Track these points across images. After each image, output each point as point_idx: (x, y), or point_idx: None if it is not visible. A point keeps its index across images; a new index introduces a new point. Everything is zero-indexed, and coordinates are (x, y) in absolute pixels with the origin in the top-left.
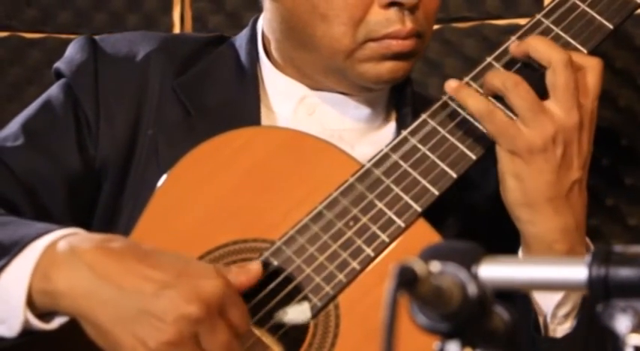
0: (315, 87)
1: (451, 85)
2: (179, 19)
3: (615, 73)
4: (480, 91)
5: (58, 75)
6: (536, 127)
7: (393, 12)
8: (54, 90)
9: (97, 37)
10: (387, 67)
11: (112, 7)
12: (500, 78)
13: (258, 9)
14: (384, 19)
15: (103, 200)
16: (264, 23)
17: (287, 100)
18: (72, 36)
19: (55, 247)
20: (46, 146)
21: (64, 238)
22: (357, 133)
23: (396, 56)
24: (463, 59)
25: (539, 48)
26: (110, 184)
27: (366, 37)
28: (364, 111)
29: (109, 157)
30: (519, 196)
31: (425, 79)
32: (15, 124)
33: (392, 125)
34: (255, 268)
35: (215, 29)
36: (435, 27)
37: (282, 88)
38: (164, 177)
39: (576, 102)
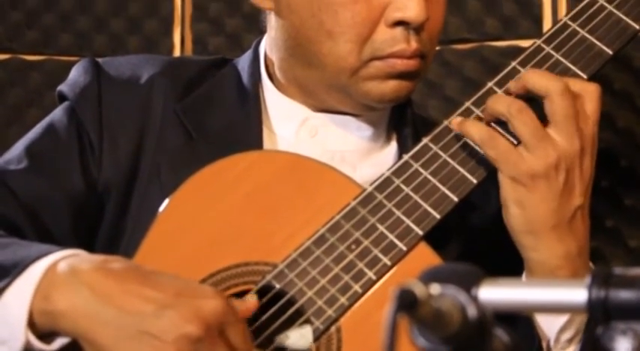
0: (317, 108)
1: (455, 121)
2: (179, 41)
3: (614, 95)
4: (482, 116)
5: (62, 98)
6: (538, 154)
7: (398, 31)
8: (57, 113)
9: (100, 60)
10: (390, 86)
11: (113, 29)
12: (505, 103)
13: (258, 31)
14: (390, 38)
15: (106, 222)
16: (268, 43)
17: (289, 121)
18: (73, 58)
19: (55, 268)
20: (50, 169)
21: (64, 259)
22: (358, 154)
23: (400, 75)
24: (463, 81)
25: (535, 80)
26: (113, 206)
27: (372, 55)
28: (366, 132)
29: (112, 179)
30: (522, 223)
31: (425, 100)
32: (18, 147)
33: (393, 146)
34: (251, 300)
35: (215, 51)
36: (437, 42)
37: (285, 109)
38: (166, 201)
39: (576, 128)
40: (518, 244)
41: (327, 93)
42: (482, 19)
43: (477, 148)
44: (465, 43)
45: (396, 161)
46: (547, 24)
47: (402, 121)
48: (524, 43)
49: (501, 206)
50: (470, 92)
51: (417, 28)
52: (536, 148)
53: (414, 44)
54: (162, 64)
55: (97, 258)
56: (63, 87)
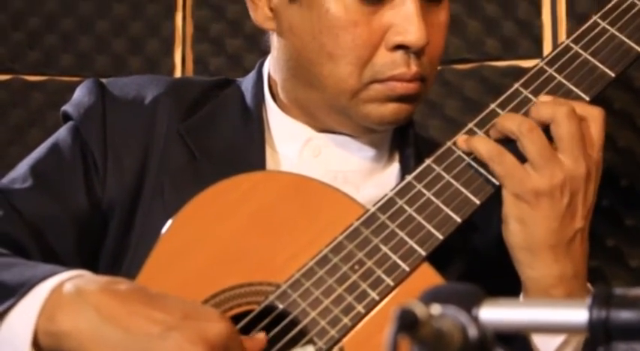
0: (320, 128)
1: (461, 139)
2: (180, 62)
3: (615, 115)
4: (487, 137)
5: (66, 118)
6: (545, 173)
7: (399, 55)
8: (62, 133)
9: (104, 80)
10: (390, 109)
11: (114, 49)
12: (515, 122)
13: (259, 51)
14: (390, 62)
15: (110, 242)
16: (271, 63)
17: (292, 141)
18: (74, 78)
19: (61, 288)
20: (54, 188)
21: (70, 280)
22: (361, 174)
23: (400, 98)
24: (463, 100)
25: (541, 111)
26: (116, 225)
27: (372, 78)
28: (368, 153)
29: (116, 199)
30: (521, 239)
31: (425, 120)
32: (23, 167)
33: (395, 166)
34: (260, 337)
35: (216, 71)
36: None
37: (288, 130)
38: (170, 221)
39: (583, 152)
40: (514, 260)
41: (328, 114)
42: (482, 40)
43: (480, 169)
44: (466, 63)
45: (399, 181)
46: (547, 44)
47: (405, 141)
48: (525, 64)
49: (501, 223)
50: (470, 112)
51: (418, 52)
52: (543, 168)
53: (414, 68)
54: (166, 84)
55: (103, 279)
56: (67, 107)
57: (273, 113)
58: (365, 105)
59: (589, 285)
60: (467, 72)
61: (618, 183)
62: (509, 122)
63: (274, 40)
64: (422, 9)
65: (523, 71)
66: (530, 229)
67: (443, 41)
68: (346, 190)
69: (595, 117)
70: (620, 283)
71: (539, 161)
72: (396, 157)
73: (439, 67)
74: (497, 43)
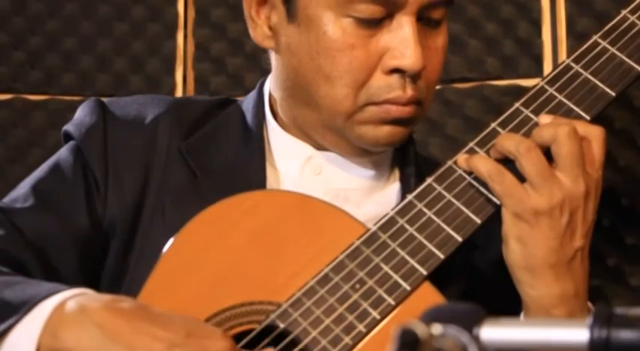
0: (320, 146)
1: (462, 158)
2: (181, 81)
3: (615, 134)
4: (487, 156)
5: (67, 137)
6: (544, 193)
7: (395, 78)
8: (63, 152)
9: (106, 100)
10: (385, 132)
11: (116, 68)
12: (514, 141)
13: (260, 70)
14: (386, 85)
15: (111, 260)
16: (271, 81)
17: (293, 160)
18: (75, 98)
19: (64, 306)
20: (56, 207)
21: (73, 297)
22: (362, 192)
23: (395, 121)
24: (464, 119)
25: (543, 132)
26: (118, 244)
27: (367, 100)
28: (369, 171)
29: (117, 217)
30: (521, 259)
31: (426, 138)
32: (24, 186)
33: (396, 185)
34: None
35: (217, 90)
36: (436, 88)
37: (289, 148)
38: (171, 240)
39: (582, 171)
40: (515, 280)
41: (323, 135)
42: (482, 59)
43: (481, 188)
44: (466, 82)
45: (400, 200)
46: (547, 63)
47: (405, 160)
48: (525, 83)
49: (501, 242)
50: (471, 131)
51: (414, 76)
52: (541, 187)
53: (409, 92)
54: (167, 103)
55: (106, 297)
56: (69, 127)
57: (274, 132)
58: (360, 126)
59: (590, 304)
60: (467, 91)
61: (619, 202)
62: (508, 142)
63: (273, 59)
64: (419, 33)
65: (524, 90)
66: (530, 249)
67: (440, 65)
68: (347, 209)
69: (596, 136)
70: (621, 302)
71: (538, 181)
72: (397, 175)
73: (440, 86)
74: (498, 62)
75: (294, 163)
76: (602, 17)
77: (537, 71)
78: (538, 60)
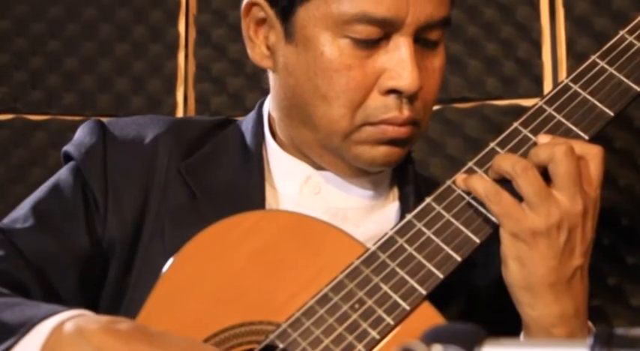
0: (319, 166)
1: (460, 178)
2: (182, 100)
3: (615, 154)
4: (485, 176)
5: (67, 158)
6: (541, 213)
7: (391, 99)
8: (63, 173)
9: (105, 121)
10: (381, 152)
11: (116, 88)
12: (510, 162)
13: (260, 90)
14: (383, 105)
15: (110, 280)
16: (270, 101)
17: (293, 179)
18: (76, 118)
19: (62, 328)
20: (56, 228)
21: (71, 319)
22: (361, 211)
23: (391, 142)
24: (464, 139)
25: (540, 153)
26: (117, 264)
27: (364, 120)
28: (368, 190)
29: (117, 237)
30: (520, 279)
31: (426, 158)
32: (24, 207)
33: (395, 204)
34: None
35: (218, 110)
36: (436, 107)
37: (288, 167)
38: (170, 260)
39: (580, 190)
40: (515, 300)
41: (321, 155)
42: (482, 79)
43: (480, 207)
44: (466, 102)
45: (399, 219)
46: (547, 83)
47: (404, 178)
48: (525, 103)
49: (501, 263)
50: (471, 150)
51: (411, 97)
52: (539, 207)
53: (406, 112)
54: (166, 124)
55: (104, 318)
56: (69, 147)
57: (273, 152)
58: (356, 146)
59: (590, 324)
60: (468, 111)
61: (619, 222)
62: (505, 162)
63: (271, 79)
64: (416, 54)
65: (524, 110)
66: (529, 269)
67: (437, 86)
68: (346, 228)
69: (594, 155)
70: (622, 322)
71: (535, 200)
72: (396, 194)
73: (440, 106)
74: (498, 82)
75: (293, 182)
76: (601, 37)
77: (537, 91)
78: (538, 80)
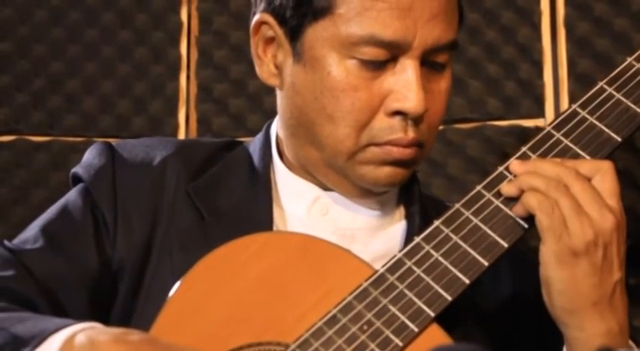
0: (327, 187)
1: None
2: (184, 122)
3: (617, 175)
4: (494, 200)
5: (76, 180)
6: (577, 230)
7: (397, 120)
8: (72, 194)
9: (113, 143)
10: (385, 172)
11: (118, 110)
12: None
13: (262, 112)
14: (388, 127)
15: (119, 301)
16: (277, 120)
17: (301, 200)
18: (78, 139)
19: (73, 339)
20: (65, 248)
21: (82, 331)
22: (369, 231)
23: (396, 163)
24: (466, 160)
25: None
26: (126, 285)
27: (369, 141)
28: (375, 210)
29: (126, 259)
30: (567, 301)
31: (428, 179)
32: (34, 228)
33: (402, 223)
34: None
35: (219, 131)
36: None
37: (296, 189)
38: (178, 282)
39: (604, 204)
40: (560, 323)
41: (326, 174)
42: (484, 99)
43: (488, 231)
44: (468, 123)
45: (405, 238)
46: (549, 104)
47: (410, 198)
48: (526, 123)
49: (542, 284)
50: (472, 171)
51: (416, 119)
52: (574, 223)
53: (411, 134)
54: (174, 146)
55: (115, 330)
56: (77, 169)
57: (281, 173)
58: (361, 166)
59: (632, 343)
60: (469, 131)
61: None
62: (535, 180)
63: (278, 97)
64: (423, 76)
65: (525, 130)
66: (575, 290)
67: (443, 108)
68: (354, 247)
69: (605, 170)
70: None
71: (570, 215)
72: (402, 213)
73: (441, 127)
74: (500, 102)
75: (301, 203)
76: (603, 59)
77: (539, 112)
78: (539, 101)
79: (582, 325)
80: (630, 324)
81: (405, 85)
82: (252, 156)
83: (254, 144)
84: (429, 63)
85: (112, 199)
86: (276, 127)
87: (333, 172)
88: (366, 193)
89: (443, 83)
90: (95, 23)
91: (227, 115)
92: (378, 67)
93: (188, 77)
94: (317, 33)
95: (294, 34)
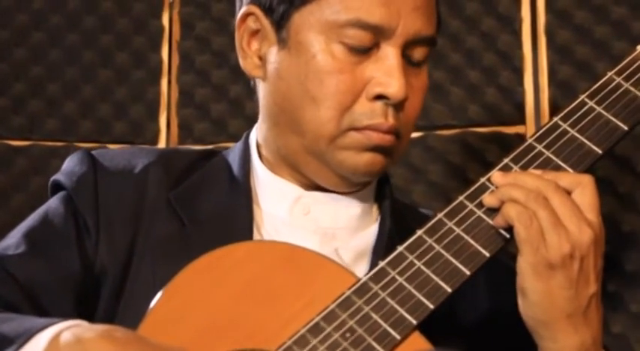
0: (308, 186)
1: (488, 198)
2: (165, 127)
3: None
4: (476, 211)
5: (57, 187)
6: (554, 244)
7: (378, 105)
8: (54, 201)
9: (94, 152)
10: (365, 159)
11: (99, 114)
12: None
13: (244, 117)
14: (369, 111)
15: (101, 307)
16: (259, 118)
17: (283, 200)
18: (58, 143)
19: (59, 337)
20: (48, 253)
21: (68, 329)
22: (349, 231)
23: (375, 148)
24: (447, 166)
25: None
26: (108, 290)
27: (350, 125)
28: (355, 210)
29: (108, 264)
30: (541, 312)
31: (409, 185)
32: (15, 235)
33: (376, 224)
34: None
35: (201, 136)
36: (419, 134)
37: (278, 189)
38: (161, 291)
39: (583, 218)
40: (534, 334)
41: (306, 162)
42: (465, 106)
43: (470, 241)
44: (449, 129)
45: (376, 239)
46: (529, 111)
47: (382, 195)
48: (507, 130)
49: (517, 294)
50: (454, 178)
51: (396, 105)
52: (552, 236)
53: (391, 120)
54: (155, 154)
55: (101, 327)
56: (58, 176)
57: (262, 176)
58: (341, 152)
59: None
60: (450, 138)
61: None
62: (514, 192)
63: (260, 90)
64: (403, 68)
65: (506, 137)
66: (549, 301)
67: (420, 105)
68: (335, 246)
69: (586, 184)
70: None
71: (548, 227)
72: (377, 215)
73: (422, 133)
74: (480, 109)
75: (283, 203)
76: (583, 66)
77: (519, 119)
78: (520, 108)
79: (556, 336)
80: (609, 331)
81: (387, 71)
82: (231, 164)
83: (233, 152)
84: (408, 57)
85: (94, 205)
86: (256, 134)
87: (313, 159)
88: (345, 183)
89: (420, 80)
90: (76, 27)
91: (208, 120)
92: (362, 53)
93: (169, 82)
94: (303, 17)
95: (281, 21)
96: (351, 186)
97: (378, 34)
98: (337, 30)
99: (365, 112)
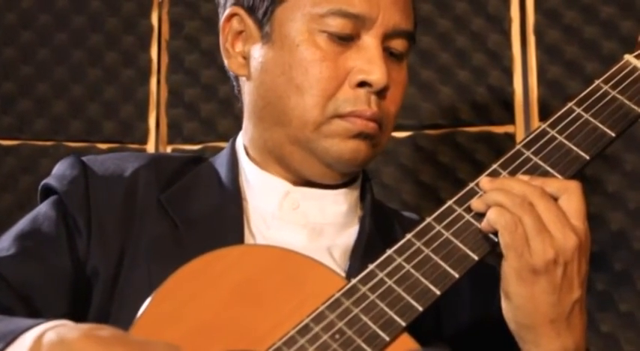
0: (296, 182)
1: (475, 203)
2: (154, 126)
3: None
4: (465, 215)
5: (47, 191)
6: (538, 250)
7: (361, 93)
8: (44, 205)
9: (84, 158)
10: (350, 146)
11: (88, 114)
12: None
13: (233, 116)
14: (353, 98)
15: (94, 308)
16: (244, 119)
17: (272, 195)
18: (48, 143)
19: (43, 337)
20: (39, 255)
21: (52, 329)
22: (336, 226)
23: (359, 135)
24: (436, 166)
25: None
26: (100, 292)
27: (334, 112)
28: (341, 206)
29: (99, 266)
30: (524, 317)
31: (398, 185)
32: (6, 238)
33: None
34: None
35: (190, 135)
36: (408, 134)
37: (267, 185)
38: (153, 294)
39: (568, 224)
40: (517, 338)
41: (291, 152)
42: (454, 106)
43: (459, 244)
44: (438, 129)
45: (357, 236)
46: (518, 110)
47: (364, 190)
48: (496, 129)
49: (501, 298)
50: (443, 177)
51: (379, 93)
52: (536, 241)
53: (374, 107)
54: (144, 158)
55: (85, 326)
56: (49, 180)
57: (251, 173)
58: (326, 139)
59: None
60: (440, 137)
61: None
62: (500, 197)
63: (245, 88)
64: (384, 60)
65: (495, 137)
66: (532, 306)
67: (400, 99)
68: (322, 242)
69: (572, 190)
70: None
71: (532, 233)
72: (360, 213)
73: (412, 133)
74: (470, 109)
75: (272, 198)
76: (572, 66)
77: (509, 118)
78: (509, 107)
79: (538, 341)
80: (599, 330)
81: (369, 59)
82: (219, 169)
83: (220, 158)
84: (388, 49)
85: (85, 206)
86: (242, 138)
87: (298, 149)
88: (330, 173)
89: (401, 75)
90: (65, 27)
91: (198, 119)
92: (344, 42)
93: (158, 82)
94: (286, 11)
95: (264, 17)
96: (337, 177)
97: (359, 24)
98: (319, 20)
99: (348, 99)
